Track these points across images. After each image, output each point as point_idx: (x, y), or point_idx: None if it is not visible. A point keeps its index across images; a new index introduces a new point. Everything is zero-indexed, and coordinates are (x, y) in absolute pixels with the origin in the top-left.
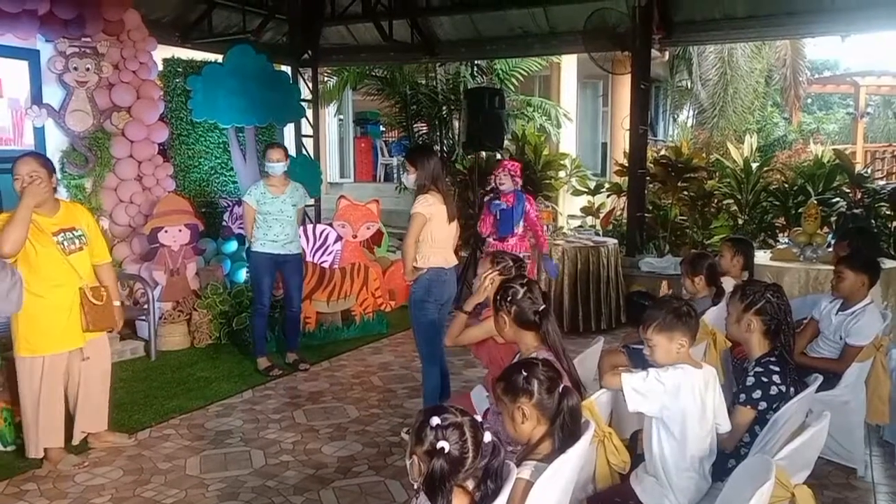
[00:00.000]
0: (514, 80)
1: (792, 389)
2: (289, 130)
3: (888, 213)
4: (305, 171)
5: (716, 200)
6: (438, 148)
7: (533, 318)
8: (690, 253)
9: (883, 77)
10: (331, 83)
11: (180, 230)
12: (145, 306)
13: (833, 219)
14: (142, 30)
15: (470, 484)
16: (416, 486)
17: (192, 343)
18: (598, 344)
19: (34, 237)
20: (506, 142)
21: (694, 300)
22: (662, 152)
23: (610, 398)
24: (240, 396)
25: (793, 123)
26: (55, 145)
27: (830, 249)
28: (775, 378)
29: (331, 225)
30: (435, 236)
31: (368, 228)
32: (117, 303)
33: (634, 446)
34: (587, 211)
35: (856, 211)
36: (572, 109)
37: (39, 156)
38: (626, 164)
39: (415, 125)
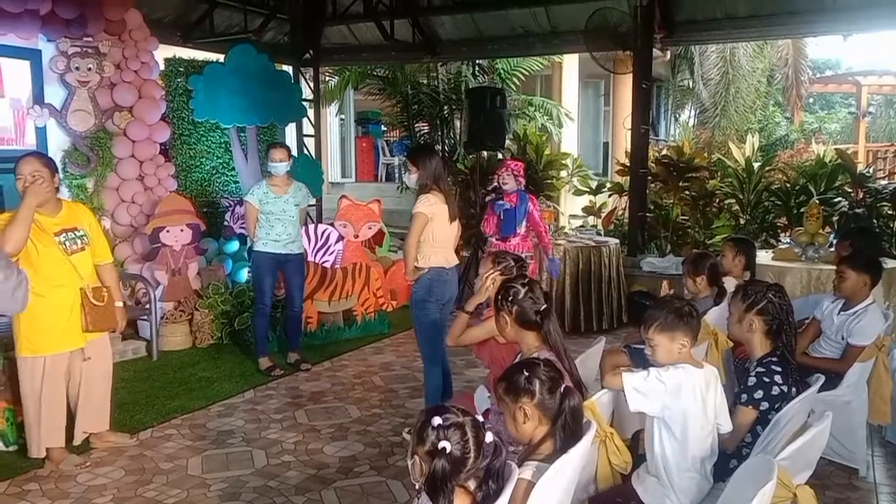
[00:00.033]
0: (515, 79)
1: (794, 389)
2: (290, 130)
3: (890, 212)
4: (307, 170)
5: (717, 200)
6: (440, 147)
7: (534, 317)
8: (692, 253)
9: (885, 76)
10: (332, 83)
11: (182, 230)
12: (147, 306)
13: (835, 218)
14: (143, 29)
15: (471, 484)
16: (417, 487)
17: (193, 343)
18: (599, 344)
19: (36, 237)
20: (507, 141)
21: (695, 300)
22: (664, 152)
23: (611, 398)
24: (241, 396)
25: (794, 123)
26: (57, 145)
27: (832, 249)
28: (777, 378)
29: (332, 225)
30: (436, 236)
31: (370, 228)
32: (119, 303)
33: (636, 446)
34: (589, 211)
35: (858, 211)
36: (574, 109)
37: (42, 155)
38: (628, 164)
39: (416, 125)
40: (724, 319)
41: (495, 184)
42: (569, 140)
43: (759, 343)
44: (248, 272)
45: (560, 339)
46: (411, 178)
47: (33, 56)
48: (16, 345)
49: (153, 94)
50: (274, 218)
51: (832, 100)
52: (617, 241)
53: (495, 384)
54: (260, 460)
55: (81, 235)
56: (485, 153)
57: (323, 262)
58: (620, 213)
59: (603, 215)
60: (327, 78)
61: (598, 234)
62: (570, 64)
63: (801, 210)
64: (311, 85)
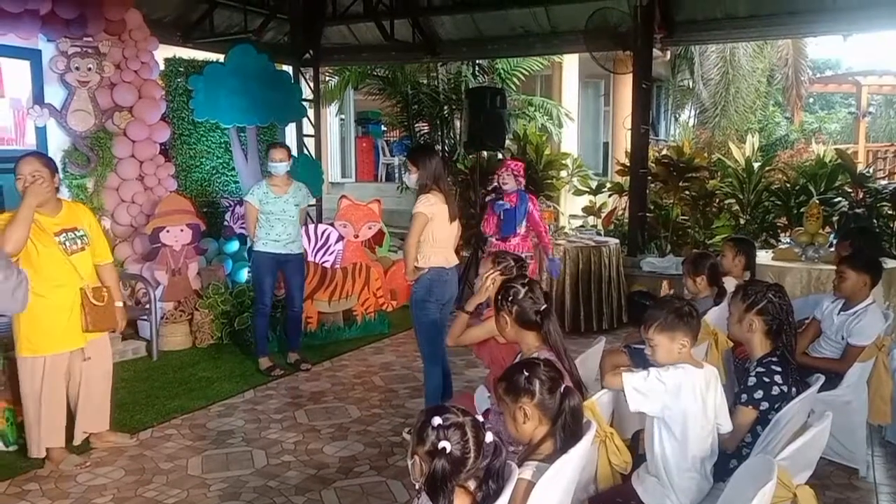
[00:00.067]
0: (515, 79)
1: (794, 389)
2: (290, 130)
3: (890, 212)
4: (307, 170)
5: (717, 200)
6: (440, 147)
7: (534, 317)
8: (692, 253)
9: (885, 76)
10: (332, 83)
11: (182, 230)
12: (147, 306)
13: (835, 218)
14: (143, 29)
15: (471, 484)
16: (417, 487)
17: (193, 343)
18: (599, 344)
19: (36, 237)
20: (507, 141)
21: (695, 300)
22: (664, 152)
23: (611, 398)
24: (241, 396)
25: (794, 123)
26: (57, 145)
27: (832, 249)
28: (777, 378)
29: (332, 225)
30: (436, 236)
31: (370, 228)
32: (119, 303)
33: (636, 446)
34: (589, 211)
35: (858, 211)
36: (574, 109)
37: (42, 155)
38: (628, 164)
39: (416, 125)
40: (724, 319)
41: (495, 184)
42: (569, 140)
43: (759, 343)
44: (248, 272)
45: (560, 339)
46: (411, 178)
47: (33, 56)
48: (16, 345)
49: (153, 94)
50: (274, 218)
51: (832, 100)
52: (617, 241)
53: (495, 384)
54: (260, 460)
55: (81, 235)
56: (485, 153)
57: (323, 262)
58: (620, 213)
59: (603, 215)
60: (327, 78)
61: (598, 234)
62: (570, 64)
63: (801, 210)
64: (311, 85)
